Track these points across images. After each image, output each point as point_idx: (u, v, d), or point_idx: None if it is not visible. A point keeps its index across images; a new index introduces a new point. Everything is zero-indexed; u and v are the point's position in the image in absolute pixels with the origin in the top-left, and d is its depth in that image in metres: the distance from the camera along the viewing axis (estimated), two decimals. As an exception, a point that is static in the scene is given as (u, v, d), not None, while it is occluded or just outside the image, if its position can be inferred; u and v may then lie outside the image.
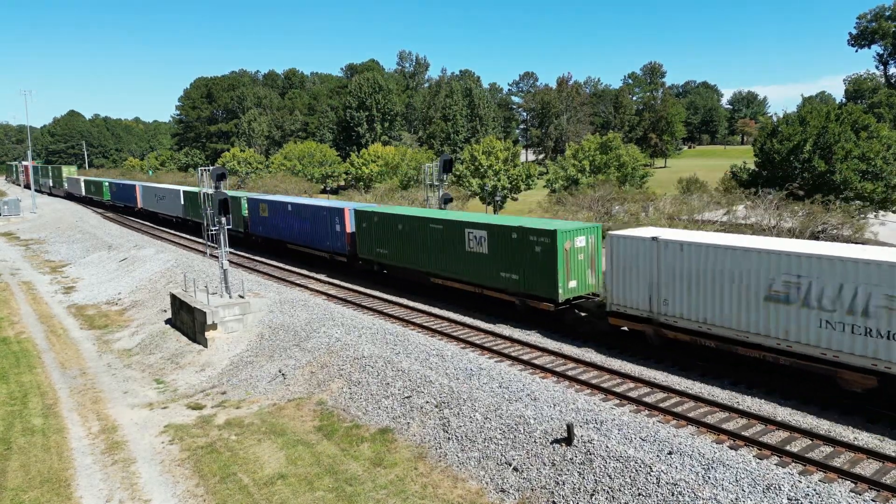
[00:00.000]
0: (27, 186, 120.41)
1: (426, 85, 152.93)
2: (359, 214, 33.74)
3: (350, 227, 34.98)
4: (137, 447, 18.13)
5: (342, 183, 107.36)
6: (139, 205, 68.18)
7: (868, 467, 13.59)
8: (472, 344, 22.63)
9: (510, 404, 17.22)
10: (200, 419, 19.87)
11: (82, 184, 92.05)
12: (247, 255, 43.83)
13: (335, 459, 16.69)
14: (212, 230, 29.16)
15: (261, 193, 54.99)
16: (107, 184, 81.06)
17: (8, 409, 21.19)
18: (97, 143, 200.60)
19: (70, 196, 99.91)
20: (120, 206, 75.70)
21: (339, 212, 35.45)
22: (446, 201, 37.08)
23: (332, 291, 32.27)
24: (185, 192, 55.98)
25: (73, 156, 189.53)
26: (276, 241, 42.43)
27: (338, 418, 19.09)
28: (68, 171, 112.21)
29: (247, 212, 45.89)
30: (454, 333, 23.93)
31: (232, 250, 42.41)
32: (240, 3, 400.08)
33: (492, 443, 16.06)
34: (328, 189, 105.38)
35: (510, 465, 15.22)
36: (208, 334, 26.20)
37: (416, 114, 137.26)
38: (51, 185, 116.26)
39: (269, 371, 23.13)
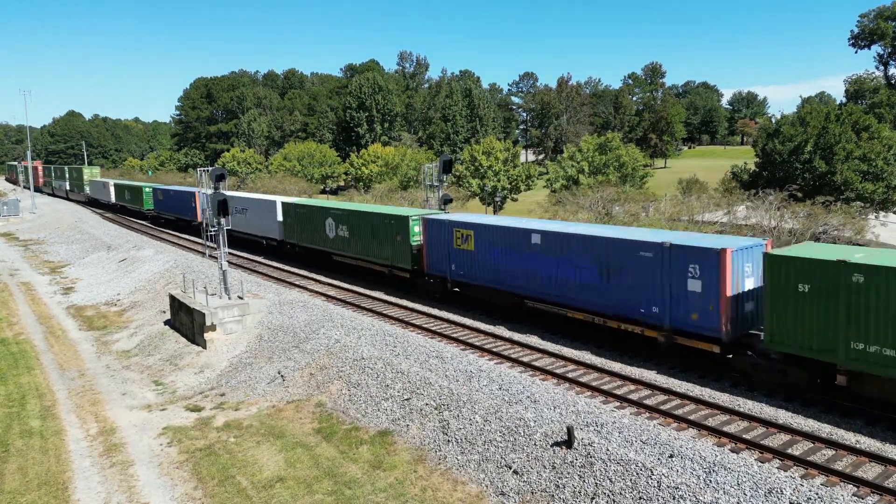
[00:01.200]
0: (26, 187, 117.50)
1: (426, 85, 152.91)
2: (794, 266, 16.44)
3: (734, 284, 18.32)
4: (136, 449, 18.05)
5: (342, 183, 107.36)
6: (201, 218, 50.33)
7: (870, 471, 13.52)
8: (472, 346, 22.55)
9: (510, 406, 17.14)
10: (199, 421, 19.79)
11: (112, 189, 75.79)
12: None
13: (334, 462, 16.61)
14: (211, 231, 29.09)
15: (457, 214, 32.34)
16: (148, 190, 64.80)
17: (6, 411, 21.11)
18: (97, 144, 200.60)
19: (95, 203, 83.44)
20: (169, 220, 60.06)
21: (703, 256, 18.53)
22: (446, 202, 37.01)
23: (332, 292, 32.17)
24: (286, 204, 40.47)
25: (73, 156, 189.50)
26: (494, 291, 25.87)
27: (337, 420, 19.01)
28: (90, 173, 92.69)
29: (419, 238, 29.58)
30: (454, 335, 23.84)
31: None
32: (240, 3, 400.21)
33: (492, 445, 15.98)
34: (328, 189, 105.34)
35: (510, 467, 15.14)
36: (207, 336, 26.12)
37: (416, 114, 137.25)
38: (67, 188, 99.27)
39: (268, 373, 23.05)
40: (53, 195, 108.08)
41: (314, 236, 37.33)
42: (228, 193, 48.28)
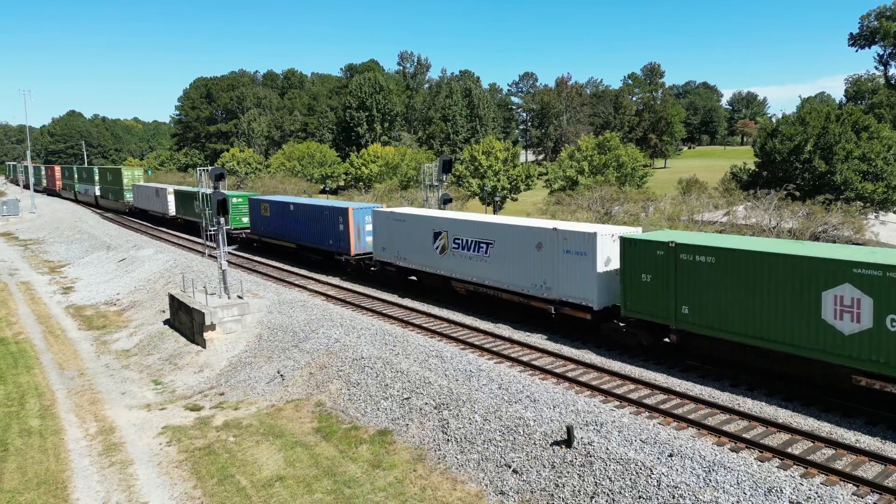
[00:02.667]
0: (26, 186, 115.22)
1: (426, 85, 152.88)
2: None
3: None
4: (135, 448, 18.03)
5: (341, 183, 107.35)
6: (357, 250, 34.49)
7: (870, 470, 13.50)
8: (472, 345, 22.52)
9: (510, 406, 17.12)
10: (198, 420, 19.77)
11: (171, 198, 56.64)
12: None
13: (334, 461, 16.59)
14: (211, 230, 29.05)
15: None
16: (239, 200, 46.07)
17: (5, 411, 21.09)
18: (96, 143, 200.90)
19: (140, 215, 65.68)
20: (283, 248, 40.85)
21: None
22: (446, 202, 36.99)
23: (331, 292, 32.14)
24: (634, 242, 20.77)
25: (73, 156, 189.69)
26: None
27: (336, 420, 18.99)
28: (131, 176, 71.35)
29: None
30: (453, 334, 23.82)
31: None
32: (240, 3, 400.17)
33: (491, 445, 15.97)
34: (327, 189, 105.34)
35: (510, 467, 15.12)
36: (207, 335, 26.10)
37: (416, 114, 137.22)
38: (97, 193, 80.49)
39: (268, 372, 23.03)
40: (76, 201, 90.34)
41: (745, 313, 17.70)
42: (454, 216, 29.22)
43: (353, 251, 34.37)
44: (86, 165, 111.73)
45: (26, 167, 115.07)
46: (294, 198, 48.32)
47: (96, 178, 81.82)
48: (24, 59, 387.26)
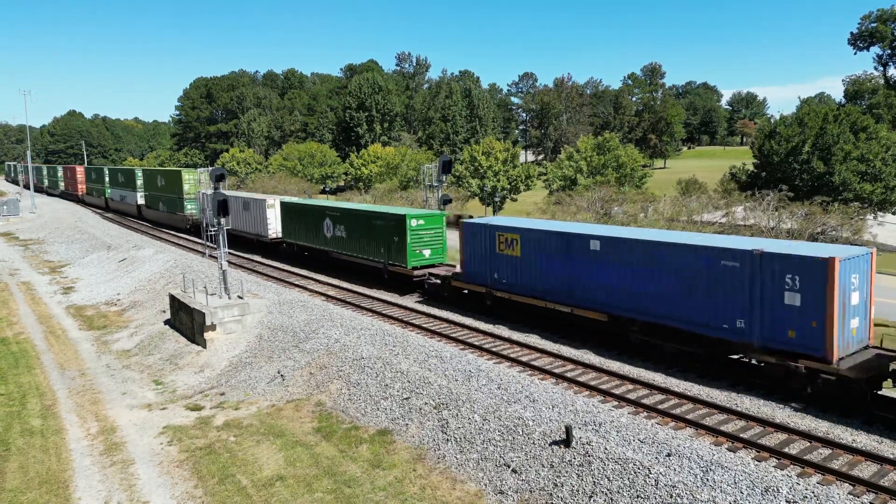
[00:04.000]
0: (26, 186, 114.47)
1: (426, 86, 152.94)
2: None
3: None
4: (136, 448, 18.12)
5: (341, 184, 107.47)
6: (840, 351, 16.35)
7: (866, 469, 13.59)
8: (471, 345, 22.62)
9: (509, 406, 17.22)
10: (199, 420, 19.86)
11: (272, 214, 40.66)
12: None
13: (334, 461, 16.69)
14: (212, 231, 29.14)
15: None
16: (419, 223, 30.31)
17: (6, 410, 21.18)
18: (96, 143, 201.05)
19: (202, 230, 35.72)
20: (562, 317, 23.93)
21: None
22: (445, 202, 37.10)
23: (331, 292, 32.23)
24: None
25: (73, 156, 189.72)
26: None
27: (336, 420, 19.09)
28: (194, 181, 52.38)
29: None
30: (453, 335, 23.91)
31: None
32: (240, 3, 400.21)
33: (490, 444, 16.06)
34: (327, 189, 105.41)
35: (509, 466, 15.22)
36: (207, 335, 26.19)
37: (416, 114, 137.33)
38: (140, 202, 64.57)
39: (268, 372, 23.13)
40: (107, 208, 75.75)
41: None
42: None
43: (836, 351, 16.39)
44: (122, 166, 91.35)
45: (26, 167, 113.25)
46: (589, 226, 25.74)
47: (139, 182, 63.98)
48: (24, 59, 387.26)
